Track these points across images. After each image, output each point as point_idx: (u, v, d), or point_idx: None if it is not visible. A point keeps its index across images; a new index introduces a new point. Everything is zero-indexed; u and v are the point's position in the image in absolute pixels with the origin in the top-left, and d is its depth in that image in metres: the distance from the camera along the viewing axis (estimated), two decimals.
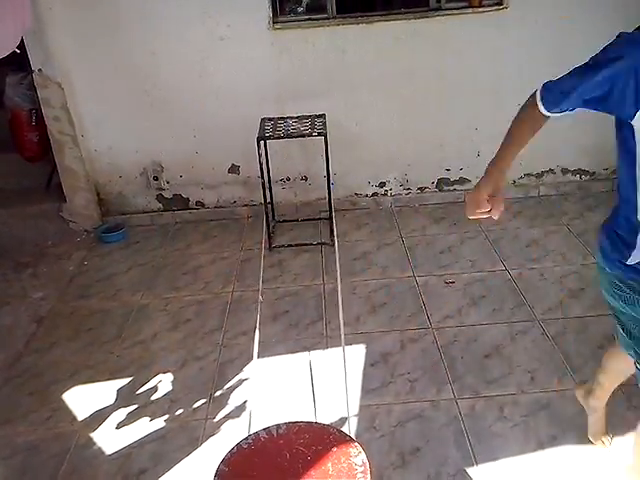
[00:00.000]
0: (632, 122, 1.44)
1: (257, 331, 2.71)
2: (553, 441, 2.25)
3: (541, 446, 2.24)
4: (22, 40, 3.44)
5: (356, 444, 1.60)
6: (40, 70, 3.75)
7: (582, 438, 2.25)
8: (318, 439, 1.62)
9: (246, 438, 1.66)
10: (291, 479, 1.51)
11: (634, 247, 1.56)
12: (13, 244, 4.05)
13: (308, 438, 1.63)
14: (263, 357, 2.79)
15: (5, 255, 3.95)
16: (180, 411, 2.54)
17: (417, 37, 3.82)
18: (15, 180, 4.35)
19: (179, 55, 3.82)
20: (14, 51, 3.18)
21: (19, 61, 3.76)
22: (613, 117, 1.54)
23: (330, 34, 3.80)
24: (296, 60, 3.85)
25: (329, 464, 1.55)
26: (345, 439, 1.63)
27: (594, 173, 4.23)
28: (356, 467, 1.53)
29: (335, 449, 1.59)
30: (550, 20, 3.77)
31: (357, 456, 1.56)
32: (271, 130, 3.58)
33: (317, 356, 2.81)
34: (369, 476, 1.50)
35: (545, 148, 4.12)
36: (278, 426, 1.68)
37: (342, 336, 2.76)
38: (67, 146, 3.95)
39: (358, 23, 3.77)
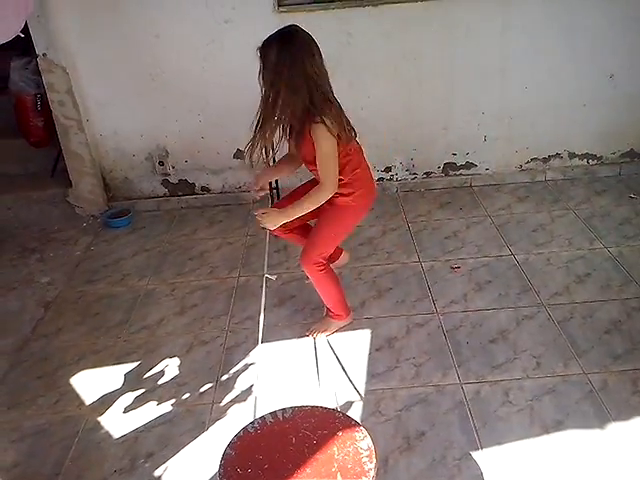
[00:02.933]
0: None
1: (261, 315, 2.72)
2: (558, 426, 2.26)
3: (546, 431, 2.24)
4: (26, 24, 3.42)
5: (362, 428, 1.61)
6: (45, 54, 3.73)
7: (587, 423, 2.25)
8: (324, 423, 1.64)
9: (252, 422, 1.67)
10: (297, 463, 1.52)
11: None
12: (19, 229, 4.07)
13: (314, 422, 1.64)
14: (269, 342, 2.80)
15: (11, 240, 3.96)
16: (187, 395, 2.56)
17: (423, 20, 3.78)
18: (21, 165, 4.36)
19: (184, 38, 3.80)
20: (18, 35, 3.17)
21: (23, 46, 3.75)
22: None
23: (336, 17, 3.76)
24: None
25: (335, 448, 1.56)
26: (351, 423, 1.64)
27: (601, 157, 4.20)
28: (362, 451, 1.54)
29: (341, 433, 1.60)
30: (556, 2, 3.72)
31: (363, 440, 1.57)
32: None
33: (323, 341, 2.81)
34: (375, 460, 1.51)
35: (552, 132, 4.11)
36: (284, 410, 1.69)
37: (337, 327, 2.76)
38: (72, 131, 3.94)
39: (364, 6, 3.73)
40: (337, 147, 2.30)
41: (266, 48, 2.25)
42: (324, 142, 2.26)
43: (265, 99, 2.27)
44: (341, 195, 2.47)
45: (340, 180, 2.40)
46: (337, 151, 2.31)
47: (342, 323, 2.85)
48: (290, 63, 2.20)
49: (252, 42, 3.80)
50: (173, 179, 4.22)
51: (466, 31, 3.81)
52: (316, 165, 2.34)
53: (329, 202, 2.45)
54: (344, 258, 3.08)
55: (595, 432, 2.22)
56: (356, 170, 2.46)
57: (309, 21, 3.73)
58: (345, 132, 2.33)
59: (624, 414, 2.28)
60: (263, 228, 2.46)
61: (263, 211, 2.41)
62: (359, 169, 2.47)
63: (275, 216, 2.41)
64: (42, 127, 4.14)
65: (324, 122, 2.22)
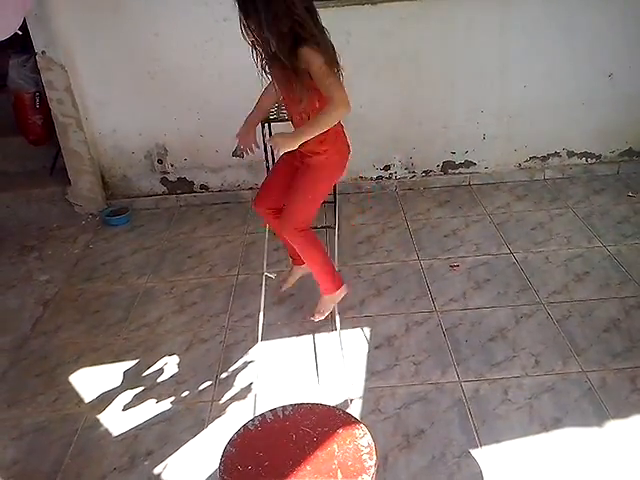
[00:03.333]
0: None
1: (261, 313, 2.72)
2: (557, 424, 2.26)
3: (545, 429, 2.25)
4: (25, 22, 3.41)
5: (362, 425, 1.61)
6: (43, 52, 3.72)
7: (586, 421, 2.26)
8: (324, 420, 1.64)
9: (252, 419, 1.67)
10: (297, 460, 1.52)
11: None
12: (18, 227, 4.06)
13: (314, 420, 1.65)
14: (268, 340, 2.80)
15: (10, 238, 3.96)
16: (186, 393, 2.56)
17: (422, 18, 3.78)
18: (19, 163, 4.35)
19: (183, 36, 3.79)
20: (17, 33, 3.16)
21: (22, 43, 3.74)
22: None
23: (335, 15, 3.72)
24: None
25: (335, 445, 1.56)
26: (351, 420, 1.64)
27: (600, 156, 4.21)
28: (362, 448, 1.54)
29: (341, 430, 1.60)
30: (555, 1, 3.73)
31: (363, 437, 1.58)
32: (275, 113, 3.55)
33: (322, 339, 2.82)
34: (375, 457, 1.51)
35: (551, 131, 4.12)
36: (284, 408, 1.70)
37: (338, 322, 2.76)
38: (71, 129, 3.94)
39: (363, 4, 3.73)
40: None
41: None
42: (316, 59, 2.17)
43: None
44: (315, 154, 2.45)
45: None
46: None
47: (336, 297, 2.72)
48: None
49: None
50: (172, 177, 4.22)
51: (465, 30, 3.81)
52: (300, 103, 2.27)
53: (304, 163, 2.47)
54: (342, 291, 2.78)
55: (594, 430, 2.23)
56: (339, 125, 2.44)
57: None
58: (335, 65, 2.26)
59: (623, 412, 2.28)
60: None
61: (277, 136, 2.19)
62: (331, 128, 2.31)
63: (289, 138, 2.17)
64: (41, 125, 4.13)
65: (311, 46, 2.18)
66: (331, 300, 2.75)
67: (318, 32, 2.27)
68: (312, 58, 2.18)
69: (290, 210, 2.52)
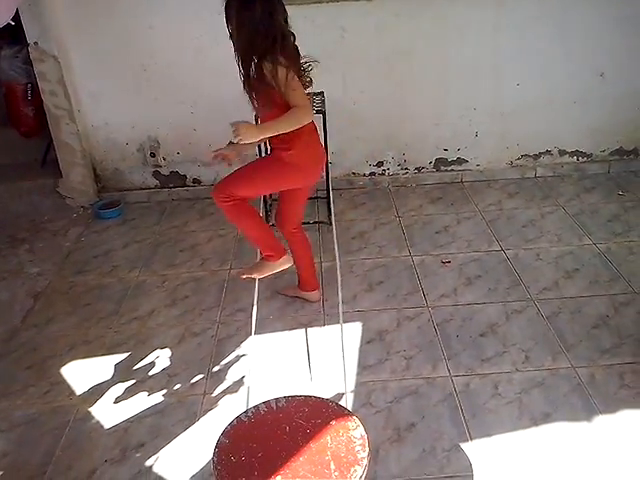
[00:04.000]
0: None
1: (254, 307, 2.73)
2: (546, 418, 2.28)
3: (534, 423, 2.27)
4: (17, 12, 3.39)
5: (354, 417, 1.63)
6: (36, 43, 3.70)
7: (575, 415, 2.29)
8: (317, 413, 1.65)
9: (246, 411, 1.68)
10: (290, 451, 1.53)
11: None
12: (9, 219, 4.04)
13: (307, 412, 1.65)
14: (261, 334, 2.81)
15: (1, 231, 3.94)
16: (178, 386, 2.57)
17: (417, 15, 3.79)
18: (11, 155, 4.33)
19: (177, 30, 3.78)
20: (9, 23, 3.14)
21: (14, 34, 3.72)
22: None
23: (330, 11, 3.76)
24: (295, 37, 3.81)
25: (328, 437, 1.57)
26: (343, 413, 1.65)
27: (591, 155, 4.24)
28: (354, 440, 1.56)
29: (334, 422, 1.61)
30: (548, 1, 3.75)
31: (355, 429, 1.59)
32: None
33: (314, 333, 2.83)
34: (367, 448, 1.52)
35: (543, 129, 4.15)
36: (277, 400, 1.70)
37: (340, 314, 2.77)
38: (63, 121, 3.92)
39: (358, 0, 3.73)
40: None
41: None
42: (280, 70, 2.26)
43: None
44: (279, 148, 2.52)
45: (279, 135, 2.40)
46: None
47: (275, 266, 2.73)
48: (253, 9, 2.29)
49: None
50: (164, 171, 4.21)
51: (459, 27, 3.83)
52: (271, 109, 2.36)
53: (272, 153, 2.58)
54: (285, 261, 2.78)
55: (582, 424, 2.25)
56: (308, 131, 2.47)
57: (303, 15, 3.75)
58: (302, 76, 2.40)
59: (611, 407, 2.31)
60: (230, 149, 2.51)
61: (242, 125, 2.25)
62: (304, 129, 2.41)
63: (251, 129, 2.28)
64: (32, 117, 4.11)
65: (274, 60, 2.28)
66: (270, 268, 2.75)
67: (287, 41, 2.39)
68: (276, 70, 2.27)
69: (229, 177, 2.57)
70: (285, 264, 2.77)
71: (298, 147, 2.48)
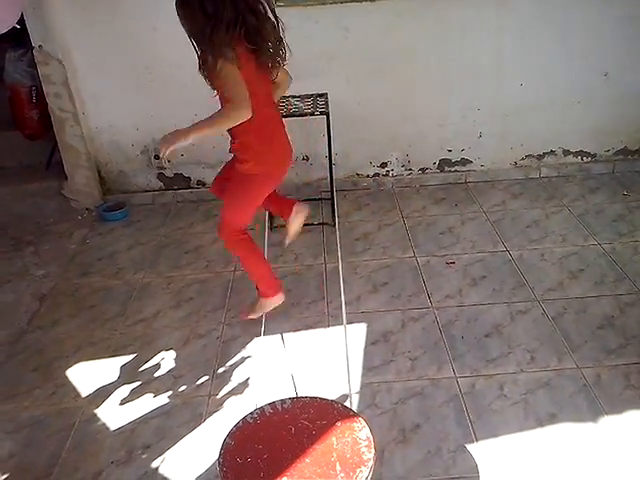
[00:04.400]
0: None
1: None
2: (552, 419, 2.28)
3: (540, 424, 2.27)
4: (22, 16, 3.41)
5: (360, 419, 1.63)
6: (40, 46, 3.72)
7: (580, 416, 2.28)
8: (322, 414, 1.65)
9: (251, 412, 1.68)
10: (296, 452, 1.54)
11: None
12: (14, 222, 4.05)
13: (313, 413, 1.66)
14: (265, 335, 2.81)
15: (6, 233, 3.95)
16: (183, 388, 2.57)
17: (420, 16, 3.79)
18: (15, 158, 4.35)
19: (180, 31, 3.76)
20: (14, 27, 3.16)
21: (19, 37, 3.73)
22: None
23: (333, 12, 3.76)
24: (298, 38, 3.77)
25: (333, 438, 1.57)
26: (349, 414, 1.65)
27: (595, 155, 4.23)
28: (360, 441, 1.56)
29: (339, 423, 1.61)
30: (551, 0, 3.75)
31: (361, 430, 1.59)
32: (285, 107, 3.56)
33: (319, 334, 2.83)
34: (373, 450, 1.53)
35: (547, 129, 4.14)
36: (283, 401, 1.71)
37: (344, 315, 2.78)
38: (68, 124, 3.93)
39: (361, 1, 3.73)
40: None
41: None
42: (218, 63, 2.23)
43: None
44: (239, 162, 2.50)
45: (234, 141, 2.45)
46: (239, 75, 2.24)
47: (273, 302, 2.82)
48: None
49: None
50: (169, 173, 4.22)
51: (462, 28, 3.82)
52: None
53: (235, 169, 2.50)
54: (280, 298, 2.83)
55: (588, 425, 2.25)
56: (249, 135, 2.40)
57: (306, 16, 3.77)
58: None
59: (617, 408, 2.30)
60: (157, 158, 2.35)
61: (165, 137, 2.26)
62: (252, 134, 2.39)
63: (178, 132, 2.25)
64: (37, 119, 4.12)
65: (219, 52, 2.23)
66: (267, 304, 2.83)
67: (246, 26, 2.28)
68: (218, 62, 2.24)
69: (223, 218, 2.64)
70: (279, 301, 2.85)
71: (254, 157, 2.44)
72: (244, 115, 2.21)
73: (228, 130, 2.40)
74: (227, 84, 2.25)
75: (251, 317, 2.87)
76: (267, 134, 2.46)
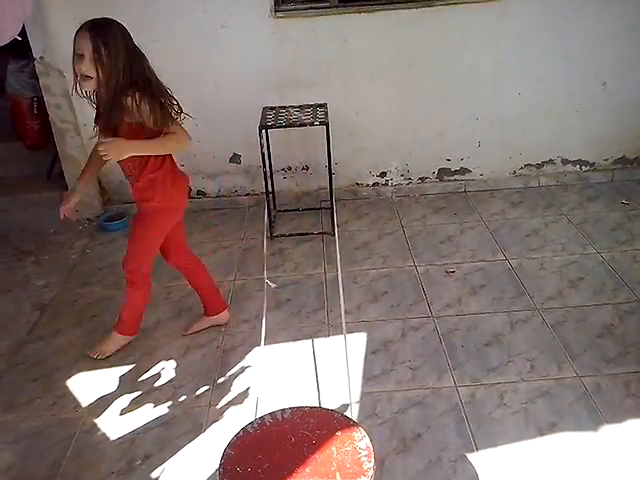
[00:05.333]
0: None
1: (264, 318, 2.74)
2: (552, 428, 2.28)
3: (540, 433, 2.27)
4: (23, 27, 3.43)
5: (360, 428, 1.63)
6: (42, 58, 3.74)
7: (580, 425, 2.28)
8: (323, 424, 1.65)
9: (252, 422, 1.68)
10: (296, 462, 1.54)
11: None
12: (15, 232, 4.06)
13: (313, 423, 1.66)
14: (266, 345, 2.81)
15: (7, 243, 3.96)
16: (183, 397, 2.57)
17: (418, 26, 3.82)
18: (17, 168, 4.36)
19: (181, 43, 3.82)
20: (15, 38, 3.17)
21: (20, 49, 3.75)
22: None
23: (331, 23, 3.79)
24: (297, 49, 3.85)
25: (334, 448, 1.57)
26: (349, 424, 1.65)
27: (594, 164, 4.25)
28: (360, 451, 1.56)
29: (339, 433, 1.62)
30: (551, 9, 3.77)
31: (361, 440, 1.59)
32: (273, 119, 3.59)
33: (319, 344, 2.83)
34: (373, 460, 1.53)
35: (545, 138, 4.16)
36: (283, 411, 1.71)
37: (344, 324, 2.78)
38: (69, 134, 3.95)
39: (360, 12, 3.77)
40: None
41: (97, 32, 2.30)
42: (143, 105, 2.23)
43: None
44: (143, 200, 2.52)
45: (137, 182, 2.45)
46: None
47: (121, 340, 2.85)
48: (115, 44, 2.29)
49: (248, 47, 3.88)
50: None
51: (461, 37, 3.85)
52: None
53: (139, 208, 2.56)
54: (224, 316, 3.00)
55: (588, 434, 2.25)
56: (157, 171, 2.44)
57: (305, 26, 3.80)
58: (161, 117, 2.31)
59: (617, 417, 2.30)
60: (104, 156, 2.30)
61: (109, 140, 2.27)
62: (159, 170, 2.44)
63: (120, 145, 2.27)
64: (38, 130, 4.14)
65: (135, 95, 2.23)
66: (118, 340, 2.85)
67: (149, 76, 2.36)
68: (140, 105, 2.24)
69: (131, 255, 2.66)
70: (225, 319, 2.96)
71: (160, 193, 2.48)
72: (190, 143, 2.37)
73: (134, 170, 2.45)
74: (155, 112, 2.28)
75: (95, 354, 2.83)
76: (171, 168, 2.51)
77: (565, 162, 4.24)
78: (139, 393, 2.62)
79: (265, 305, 2.66)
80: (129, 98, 2.23)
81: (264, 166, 3.64)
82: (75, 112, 3.91)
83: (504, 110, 4.06)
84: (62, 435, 2.42)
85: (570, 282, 3.15)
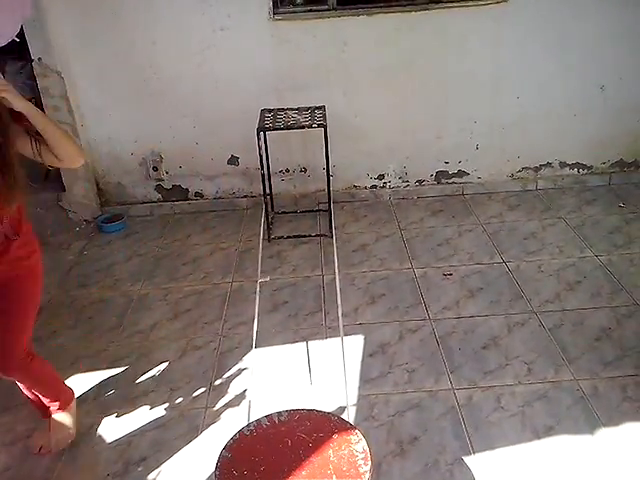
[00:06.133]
0: None
1: (256, 321, 2.74)
2: (549, 431, 2.28)
3: (537, 436, 2.26)
4: (22, 29, 3.43)
5: (356, 431, 1.63)
6: (40, 59, 3.74)
7: (578, 428, 2.28)
8: (319, 426, 1.65)
9: (248, 425, 1.68)
10: (293, 465, 1.53)
11: None
12: None
13: (309, 425, 1.66)
14: (262, 347, 2.81)
15: None
16: (180, 400, 2.56)
17: (417, 29, 3.82)
18: None
19: (179, 45, 3.82)
20: (13, 40, 3.17)
21: (18, 50, 3.75)
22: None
23: (330, 26, 3.80)
24: (296, 51, 3.85)
25: (330, 451, 1.57)
26: (346, 426, 1.65)
27: (592, 167, 4.25)
28: (357, 454, 1.56)
29: (336, 436, 1.61)
30: (549, 13, 3.78)
31: (358, 443, 1.59)
32: (271, 121, 3.59)
33: (316, 346, 2.83)
34: (370, 463, 1.52)
35: (543, 142, 4.16)
36: (279, 413, 1.71)
37: (341, 327, 2.78)
38: None
39: (358, 15, 3.77)
40: None
41: None
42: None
43: None
44: (24, 259, 2.06)
45: (15, 237, 2.00)
46: None
47: (72, 411, 2.37)
48: None
49: (247, 50, 3.88)
50: (167, 184, 4.23)
51: (459, 41, 3.85)
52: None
53: (11, 277, 2.03)
54: (74, 405, 2.40)
55: (585, 437, 2.25)
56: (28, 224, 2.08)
57: (304, 29, 3.80)
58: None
59: (614, 420, 2.30)
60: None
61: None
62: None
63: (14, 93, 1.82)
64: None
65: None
66: (67, 418, 2.36)
67: None
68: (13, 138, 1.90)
69: (9, 343, 2.08)
70: (74, 409, 2.39)
71: (36, 244, 2.12)
72: (82, 160, 2.01)
73: (14, 221, 2.00)
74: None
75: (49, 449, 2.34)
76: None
77: (563, 165, 4.25)
78: (135, 395, 2.61)
79: (257, 307, 2.63)
80: None
81: (262, 168, 3.64)
82: (73, 113, 3.91)
83: (502, 113, 4.07)
84: None
85: (567, 285, 3.15)
